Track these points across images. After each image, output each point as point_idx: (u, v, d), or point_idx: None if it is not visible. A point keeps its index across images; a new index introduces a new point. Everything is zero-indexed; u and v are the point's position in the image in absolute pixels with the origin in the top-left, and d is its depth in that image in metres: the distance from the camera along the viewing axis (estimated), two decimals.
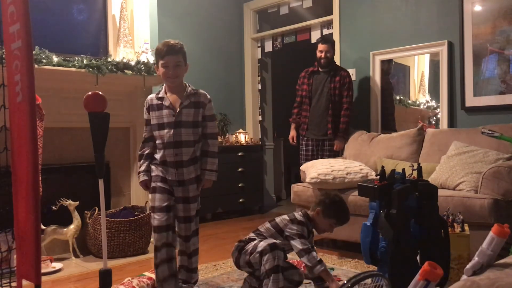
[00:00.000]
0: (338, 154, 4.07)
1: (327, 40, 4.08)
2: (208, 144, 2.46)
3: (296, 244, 2.27)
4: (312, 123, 4.12)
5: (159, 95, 2.43)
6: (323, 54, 4.01)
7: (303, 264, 2.50)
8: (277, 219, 2.42)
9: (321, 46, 4.02)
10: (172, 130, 2.36)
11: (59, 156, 3.48)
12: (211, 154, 2.47)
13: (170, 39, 2.44)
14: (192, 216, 2.45)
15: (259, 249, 2.22)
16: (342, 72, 4.04)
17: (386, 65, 4.22)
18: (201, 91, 2.46)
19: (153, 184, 2.43)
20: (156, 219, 2.38)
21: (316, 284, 2.34)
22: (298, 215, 2.40)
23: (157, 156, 2.42)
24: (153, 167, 2.44)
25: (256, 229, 2.43)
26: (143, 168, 2.46)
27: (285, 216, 2.42)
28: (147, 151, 2.47)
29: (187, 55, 2.43)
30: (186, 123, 2.37)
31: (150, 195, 2.45)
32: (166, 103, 2.39)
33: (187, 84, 2.45)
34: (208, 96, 2.47)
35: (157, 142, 2.42)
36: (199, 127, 2.42)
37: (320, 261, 2.23)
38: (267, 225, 2.42)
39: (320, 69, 4.10)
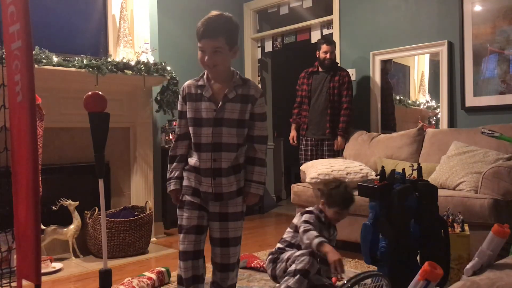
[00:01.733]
0: (337, 154, 4.07)
1: (332, 41, 4.10)
2: (255, 150, 1.95)
3: (300, 229, 2.28)
4: (311, 123, 4.12)
5: (199, 83, 1.93)
6: (328, 55, 4.01)
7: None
8: (294, 219, 2.47)
9: (326, 47, 4.01)
10: (211, 129, 1.87)
11: (59, 156, 3.48)
12: (259, 162, 1.96)
13: (214, 11, 1.87)
14: (231, 239, 1.93)
15: (298, 253, 2.22)
16: (341, 72, 4.04)
17: (385, 65, 4.21)
18: (252, 81, 1.97)
19: (181, 196, 1.98)
20: (183, 242, 1.93)
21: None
22: (309, 208, 2.45)
23: (190, 160, 1.94)
24: (184, 174, 1.97)
25: (281, 238, 2.48)
26: (174, 173, 1.98)
27: (299, 213, 2.47)
28: (180, 152, 1.98)
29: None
30: (229, 121, 1.87)
31: (177, 210, 1.99)
32: (207, 93, 1.89)
33: (235, 71, 1.94)
34: (260, 89, 1.97)
35: (192, 142, 1.95)
36: (245, 127, 1.92)
37: (318, 236, 2.17)
38: (288, 228, 2.47)
39: (319, 69, 4.11)
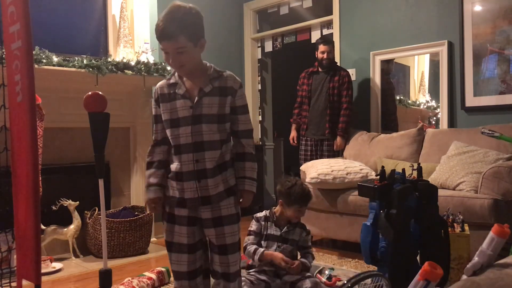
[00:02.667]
0: (337, 154, 4.07)
1: (329, 41, 4.09)
2: (242, 145, 1.80)
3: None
4: (311, 123, 4.12)
5: (171, 81, 1.79)
6: (325, 55, 4.01)
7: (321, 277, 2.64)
8: None
9: (323, 47, 4.02)
10: (190, 128, 1.71)
11: (59, 156, 3.48)
12: (250, 157, 1.81)
13: (175, 2, 1.71)
14: (229, 246, 1.77)
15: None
16: (341, 72, 4.04)
17: (387, 65, 4.21)
18: (228, 72, 1.82)
19: (168, 209, 1.80)
20: (174, 262, 1.80)
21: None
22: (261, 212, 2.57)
23: (172, 166, 1.78)
24: (168, 183, 1.80)
25: None
26: (153, 180, 1.79)
27: None
28: (158, 158, 1.82)
29: None
30: (209, 117, 1.72)
31: (164, 224, 1.82)
32: (180, 91, 1.75)
33: (208, 64, 1.81)
34: (238, 80, 1.82)
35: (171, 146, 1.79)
36: (227, 122, 1.77)
37: (255, 251, 2.40)
38: None
39: (319, 69, 4.11)
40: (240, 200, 1.83)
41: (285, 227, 2.50)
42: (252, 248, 2.42)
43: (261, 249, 2.40)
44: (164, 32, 1.65)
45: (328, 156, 4.01)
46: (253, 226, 2.51)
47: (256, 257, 2.39)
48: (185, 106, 1.73)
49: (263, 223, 2.50)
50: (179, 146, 1.74)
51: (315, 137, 4.11)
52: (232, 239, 1.78)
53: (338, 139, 4.00)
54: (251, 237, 2.48)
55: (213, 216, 1.76)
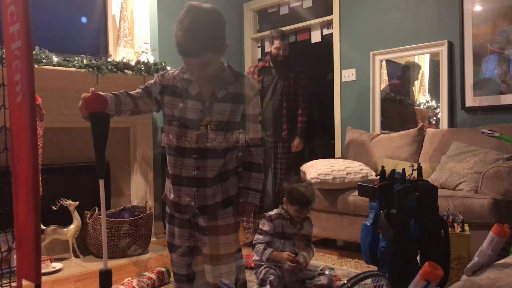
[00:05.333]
0: (292, 156, 3.87)
1: (285, 36, 3.81)
2: (251, 154, 1.74)
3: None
4: (264, 123, 3.75)
5: (185, 75, 1.66)
6: (280, 52, 3.73)
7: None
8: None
9: (278, 43, 3.72)
10: (196, 132, 1.62)
11: (59, 156, 3.48)
12: (256, 168, 1.74)
13: (192, 4, 1.53)
14: (223, 256, 1.69)
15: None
16: (296, 69, 3.84)
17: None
18: (246, 77, 1.72)
19: (169, 210, 1.76)
20: (175, 264, 1.77)
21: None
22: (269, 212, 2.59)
23: (170, 168, 1.69)
24: (167, 184, 1.74)
25: None
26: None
27: None
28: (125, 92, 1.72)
29: None
30: (217, 124, 1.64)
31: (166, 225, 1.80)
32: (193, 91, 1.63)
33: (225, 65, 1.68)
34: (256, 86, 1.73)
35: (169, 144, 1.69)
36: (236, 129, 1.71)
37: (264, 251, 2.40)
38: None
39: (271, 65, 3.81)
40: (241, 211, 1.74)
41: (298, 224, 2.52)
42: (261, 247, 2.43)
43: (270, 249, 2.42)
44: (187, 50, 1.51)
45: (282, 159, 3.85)
46: (266, 226, 2.49)
47: (265, 257, 2.41)
48: (195, 109, 1.62)
49: (276, 222, 2.49)
50: (183, 149, 1.64)
51: (270, 139, 3.82)
52: (226, 249, 1.68)
53: (297, 140, 3.79)
54: (261, 236, 2.49)
55: (209, 224, 1.67)
